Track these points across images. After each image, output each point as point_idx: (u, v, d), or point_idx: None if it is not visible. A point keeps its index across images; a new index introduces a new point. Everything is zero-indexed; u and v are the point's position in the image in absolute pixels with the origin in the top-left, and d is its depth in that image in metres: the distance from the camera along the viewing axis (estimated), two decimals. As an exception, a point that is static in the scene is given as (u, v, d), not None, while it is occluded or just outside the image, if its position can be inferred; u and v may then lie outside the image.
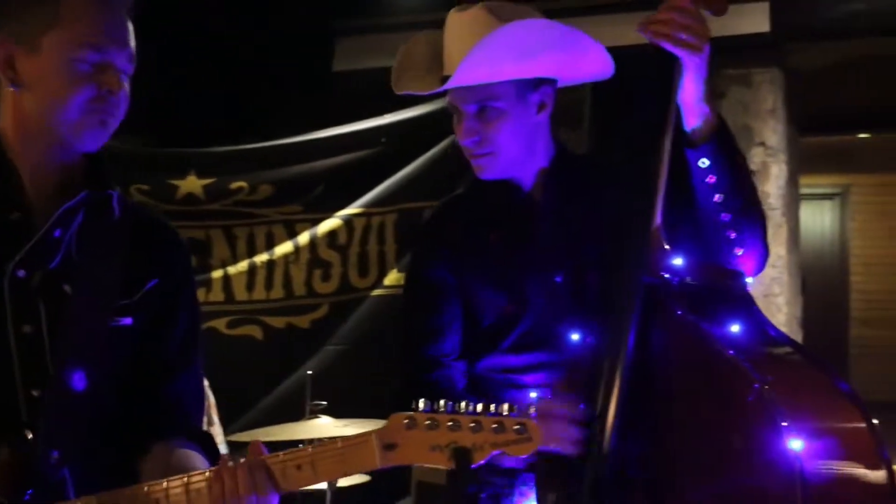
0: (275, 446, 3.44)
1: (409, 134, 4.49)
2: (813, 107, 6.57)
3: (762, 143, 5.14)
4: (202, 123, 4.91)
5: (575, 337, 1.90)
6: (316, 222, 4.50)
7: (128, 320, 1.73)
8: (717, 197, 1.86)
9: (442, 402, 1.47)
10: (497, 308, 2.10)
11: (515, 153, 2.08)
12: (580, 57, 2.07)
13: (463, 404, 1.46)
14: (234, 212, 4.51)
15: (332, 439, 1.52)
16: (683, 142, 1.86)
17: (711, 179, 1.85)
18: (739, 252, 1.87)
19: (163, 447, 1.72)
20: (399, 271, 4.44)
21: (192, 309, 1.88)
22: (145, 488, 1.57)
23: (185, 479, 1.56)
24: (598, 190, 2.12)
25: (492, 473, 2.10)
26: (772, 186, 5.11)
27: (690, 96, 1.83)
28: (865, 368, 9.71)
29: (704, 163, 1.85)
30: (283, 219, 4.52)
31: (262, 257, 4.50)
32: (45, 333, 1.66)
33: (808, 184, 8.24)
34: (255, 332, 4.47)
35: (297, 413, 3.58)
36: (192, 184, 4.51)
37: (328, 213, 4.50)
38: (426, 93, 2.10)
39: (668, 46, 1.78)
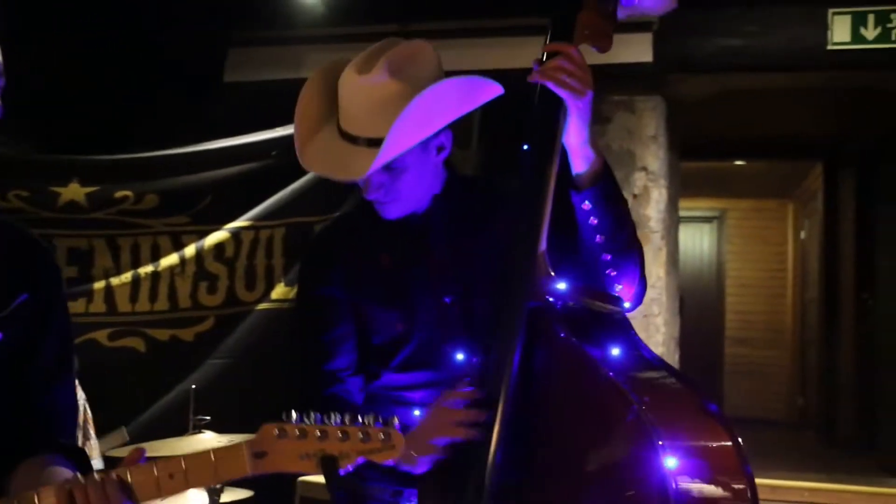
0: (156, 461, 3.39)
1: (299, 148, 4.50)
2: (692, 134, 6.83)
3: (644, 168, 5.32)
4: (87, 130, 4.82)
5: (460, 357, 1.96)
6: (203, 234, 4.44)
7: None
8: (598, 238, 1.95)
9: (312, 414, 1.54)
10: (388, 326, 2.14)
11: (417, 193, 2.13)
12: (474, 97, 2.12)
13: (333, 416, 1.54)
14: (119, 221, 4.42)
15: (204, 450, 1.56)
16: (569, 183, 1.95)
17: (593, 221, 1.95)
18: (619, 287, 1.97)
19: (33, 463, 1.70)
20: (286, 285, 4.43)
21: (64, 324, 1.87)
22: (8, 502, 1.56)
23: (35, 495, 1.54)
24: (488, 212, 2.17)
25: (376, 489, 2.14)
26: (652, 210, 5.29)
27: (575, 139, 1.92)
28: (739, 386, 10.09)
29: (587, 205, 1.94)
30: (169, 230, 4.46)
31: (146, 269, 4.42)
32: None
33: (688, 207, 8.54)
34: (138, 344, 4.39)
35: (179, 428, 3.53)
36: (74, 191, 4.41)
37: (216, 225, 4.44)
38: (343, 179, 2.11)
39: (554, 88, 1.88)
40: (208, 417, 3.39)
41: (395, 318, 2.13)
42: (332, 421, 1.53)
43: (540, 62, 1.94)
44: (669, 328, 5.56)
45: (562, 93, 1.88)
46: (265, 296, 4.42)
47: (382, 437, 1.52)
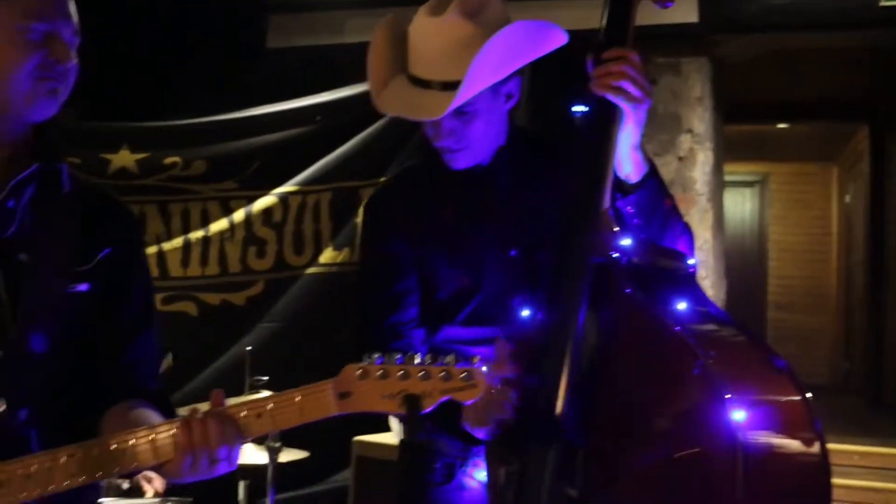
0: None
1: (343, 112, 4.51)
2: (737, 96, 6.77)
3: (689, 130, 5.28)
4: (136, 97, 4.86)
5: (525, 312, 1.98)
6: (251, 199, 4.51)
7: (84, 286, 1.78)
8: (642, 235, 1.95)
9: (394, 355, 1.57)
10: (453, 281, 2.16)
11: (485, 141, 2.15)
12: (544, 41, 2.14)
13: (416, 357, 1.56)
14: (169, 187, 4.49)
15: (290, 390, 1.60)
16: (614, 186, 1.93)
17: (637, 222, 1.96)
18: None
19: (121, 407, 1.77)
20: (334, 249, 4.48)
21: (146, 278, 1.94)
22: (112, 441, 1.61)
23: (152, 431, 1.61)
24: (551, 167, 2.20)
25: (445, 446, 2.17)
26: (698, 173, 5.26)
27: (627, 145, 1.92)
28: (782, 351, 9.90)
29: (630, 209, 1.96)
30: (218, 195, 4.52)
31: (197, 234, 4.49)
32: (3, 299, 1.71)
33: (729, 171, 8.47)
34: (190, 308, 4.47)
35: (235, 389, 3.60)
36: (124, 158, 4.48)
37: (263, 190, 4.51)
38: (418, 119, 2.11)
39: (615, 99, 1.87)
40: (266, 378, 3.45)
41: (460, 271, 2.16)
42: (414, 361, 1.55)
43: (597, 59, 1.92)
44: (717, 291, 5.54)
45: (623, 104, 1.87)
46: (313, 260, 4.49)
47: (464, 376, 1.54)
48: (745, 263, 10.28)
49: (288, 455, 3.52)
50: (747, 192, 10.91)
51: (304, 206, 4.51)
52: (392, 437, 3.70)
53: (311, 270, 4.47)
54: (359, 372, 1.56)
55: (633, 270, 1.83)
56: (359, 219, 4.44)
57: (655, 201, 1.98)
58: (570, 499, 1.82)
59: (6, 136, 1.75)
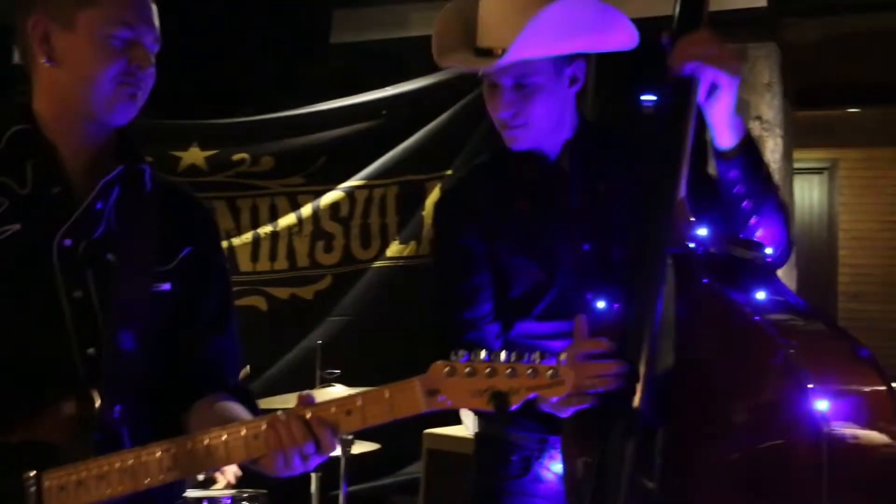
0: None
1: (409, 106, 4.55)
2: (805, 81, 6.65)
3: (758, 117, 5.21)
4: (203, 95, 4.93)
5: (601, 304, 1.98)
6: (318, 194, 4.56)
7: (167, 286, 1.83)
8: (745, 203, 1.96)
9: (481, 352, 1.59)
10: (528, 276, 2.17)
11: (547, 125, 2.16)
12: (611, 32, 2.14)
13: (502, 354, 1.57)
14: (237, 183, 4.56)
15: (379, 387, 1.62)
16: (714, 153, 1.95)
17: (740, 190, 1.95)
18: (759, 233, 1.97)
19: (206, 402, 1.82)
20: (400, 243, 4.52)
21: (224, 274, 1.99)
22: (204, 437, 1.66)
23: (242, 427, 1.65)
24: (621, 159, 2.20)
25: (522, 437, 2.18)
26: (768, 160, 5.19)
27: (724, 113, 1.92)
28: (854, 342, 9.81)
29: (734, 174, 1.95)
30: (285, 191, 4.58)
31: (265, 229, 4.56)
32: (94, 298, 1.77)
33: (797, 158, 8.34)
34: (260, 302, 4.53)
35: (306, 382, 3.65)
36: (194, 155, 4.55)
37: (330, 185, 4.56)
38: (472, 70, 2.15)
39: (713, 71, 1.87)
40: (338, 371, 3.49)
41: (534, 266, 2.17)
42: (501, 358, 1.56)
43: (673, 36, 1.92)
44: (787, 280, 5.47)
45: (719, 73, 1.87)
46: (380, 254, 4.52)
47: (551, 373, 1.55)
48: (813, 252, 10.11)
49: (360, 447, 3.56)
50: (815, 179, 10.72)
51: (371, 200, 4.54)
52: (463, 430, 3.73)
53: (377, 264, 4.51)
54: (447, 370, 1.58)
55: (710, 260, 1.82)
56: (425, 212, 4.47)
57: (758, 165, 1.98)
58: (647, 491, 1.82)
59: (90, 140, 1.80)
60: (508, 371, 1.56)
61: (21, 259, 1.75)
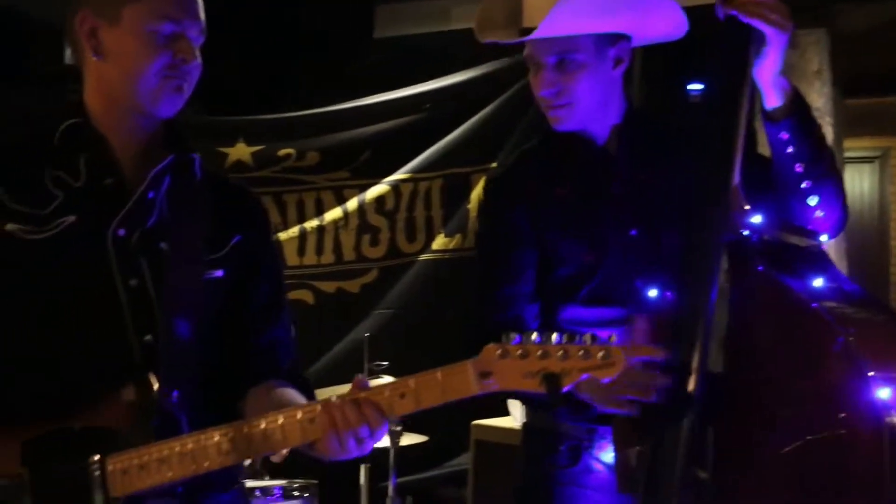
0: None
1: (453, 100, 4.55)
2: (856, 69, 6.55)
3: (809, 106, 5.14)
4: (249, 92, 4.96)
5: (653, 293, 1.96)
6: (364, 188, 4.57)
7: (219, 273, 1.85)
8: (797, 167, 1.92)
9: (533, 334, 1.58)
10: (577, 257, 2.15)
11: (592, 106, 2.14)
12: (655, 16, 2.12)
13: (554, 336, 1.57)
14: (283, 178, 4.58)
15: (431, 371, 1.62)
16: (763, 116, 1.92)
17: (791, 150, 1.92)
18: (819, 214, 1.93)
19: (262, 388, 1.84)
20: (446, 236, 4.52)
21: (276, 262, 2.02)
22: (262, 421, 1.67)
23: (298, 411, 1.66)
24: (669, 146, 2.18)
25: (571, 427, 2.17)
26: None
27: (770, 72, 1.89)
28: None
29: (785, 135, 1.91)
30: (331, 185, 4.59)
31: (312, 223, 4.58)
32: (149, 286, 1.79)
33: (847, 147, 8.20)
34: (307, 296, 4.56)
35: (354, 375, 3.64)
36: (241, 151, 4.58)
37: (375, 178, 4.57)
38: (510, 42, 2.14)
39: (759, 25, 1.84)
40: (386, 363, 3.49)
41: (583, 248, 2.15)
42: (552, 340, 1.56)
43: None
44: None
45: (767, 28, 1.84)
46: (426, 247, 4.52)
47: (602, 354, 1.54)
48: (865, 241, 9.95)
49: (408, 439, 3.56)
50: (866, 168, 10.54)
51: (416, 193, 4.55)
52: (511, 421, 3.72)
53: (423, 257, 4.52)
54: (499, 352, 1.58)
55: (765, 248, 1.79)
56: (470, 205, 4.47)
57: (809, 125, 1.95)
58: (700, 481, 1.80)
59: (139, 131, 1.82)
60: (560, 353, 1.55)
61: (77, 250, 1.77)
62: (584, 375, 1.55)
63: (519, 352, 1.57)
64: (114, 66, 1.78)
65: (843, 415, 1.61)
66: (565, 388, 1.55)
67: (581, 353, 1.54)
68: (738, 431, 1.78)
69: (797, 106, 1.94)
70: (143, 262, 1.79)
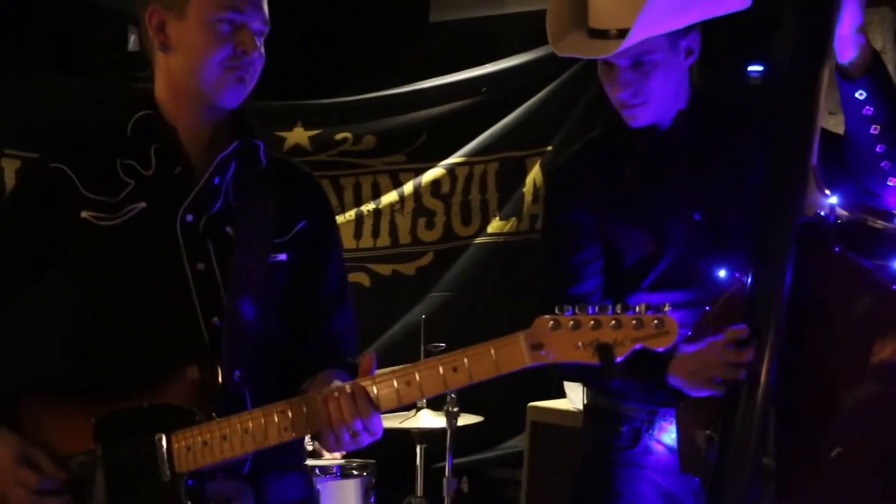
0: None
1: (508, 83, 4.50)
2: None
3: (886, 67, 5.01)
4: (306, 76, 4.96)
5: (721, 273, 1.92)
6: (420, 172, 4.55)
7: (283, 256, 1.88)
8: (872, 129, 1.86)
9: (585, 306, 1.57)
10: (638, 246, 2.13)
11: (666, 100, 2.11)
12: (726, 3, 2.08)
13: (606, 307, 1.56)
14: (340, 162, 4.58)
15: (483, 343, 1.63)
16: (839, 75, 1.86)
17: (868, 111, 1.86)
18: (893, 182, 1.87)
19: (323, 375, 1.84)
20: (501, 219, 4.49)
21: (339, 249, 2.03)
22: (318, 398, 1.69)
23: (302, 400, 1.70)
24: (731, 128, 2.14)
25: (632, 409, 2.14)
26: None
27: (848, 27, 1.83)
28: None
29: (861, 94, 1.85)
30: (387, 169, 4.58)
31: (368, 206, 4.57)
32: (216, 269, 1.82)
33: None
34: (363, 279, 4.55)
35: (410, 357, 3.63)
36: (298, 135, 4.58)
37: (431, 162, 4.55)
38: (591, 57, 2.11)
39: None
40: (443, 345, 3.48)
41: (645, 236, 2.13)
42: (606, 311, 1.55)
43: None
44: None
45: None
46: (481, 230, 4.50)
47: (656, 323, 1.53)
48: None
49: (464, 420, 3.55)
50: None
51: (471, 176, 4.52)
52: (567, 403, 3.69)
53: (479, 240, 4.50)
54: (551, 323, 1.57)
55: (841, 229, 1.74)
56: (525, 188, 4.43)
57: (887, 85, 1.89)
58: (766, 468, 1.76)
59: (206, 121, 1.86)
60: (613, 323, 1.54)
61: (147, 235, 1.82)
62: (638, 345, 1.53)
63: (571, 323, 1.56)
64: (180, 58, 1.82)
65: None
66: (618, 359, 1.53)
67: (634, 322, 1.53)
68: (808, 417, 1.74)
69: (875, 65, 1.87)
70: (210, 247, 1.83)
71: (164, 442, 1.72)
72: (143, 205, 1.82)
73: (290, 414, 1.69)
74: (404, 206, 4.55)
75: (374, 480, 3.52)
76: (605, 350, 1.53)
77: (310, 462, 3.53)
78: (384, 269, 4.56)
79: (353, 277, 4.55)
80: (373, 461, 3.56)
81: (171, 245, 1.81)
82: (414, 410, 3.66)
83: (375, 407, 1.66)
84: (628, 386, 2.08)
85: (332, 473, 3.47)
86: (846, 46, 1.85)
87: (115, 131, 1.88)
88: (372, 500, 3.52)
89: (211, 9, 1.79)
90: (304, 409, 1.69)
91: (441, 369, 1.63)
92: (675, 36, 2.07)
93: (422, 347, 3.62)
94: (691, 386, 1.90)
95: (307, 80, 4.99)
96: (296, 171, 2.02)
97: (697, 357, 1.88)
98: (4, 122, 3.90)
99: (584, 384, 2.38)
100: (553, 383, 3.71)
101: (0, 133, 3.89)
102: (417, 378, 1.66)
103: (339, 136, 4.59)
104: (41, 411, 1.81)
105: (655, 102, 2.09)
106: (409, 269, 4.55)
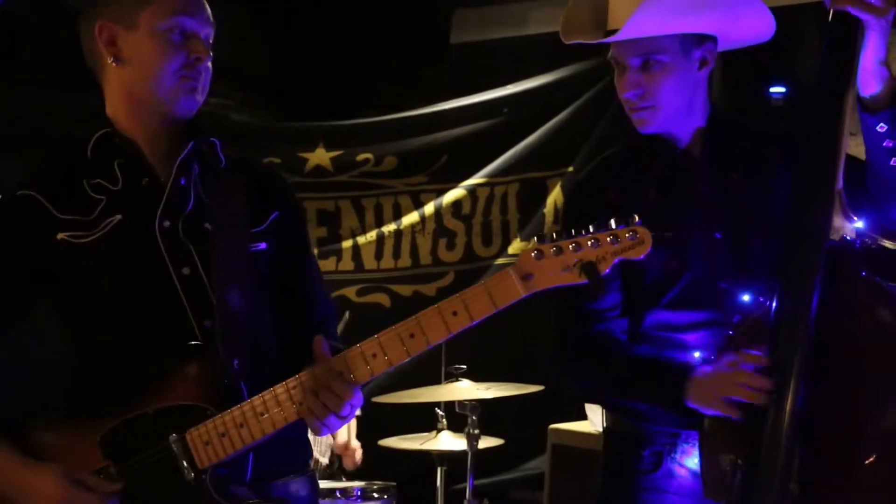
0: (415, 408, 3.49)
1: (529, 104, 4.50)
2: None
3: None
4: (327, 97, 4.97)
5: (745, 298, 1.90)
6: (441, 193, 4.55)
7: (262, 245, 1.91)
8: (893, 161, 1.84)
9: (562, 233, 1.64)
10: (659, 263, 2.09)
11: (676, 108, 2.09)
12: (742, 16, 2.06)
13: (581, 230, 1.63)
14: (362, 183, 4.58)
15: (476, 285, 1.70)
16: (861, 106, 1.84)
17: (889, 144, 1.83)
18: None
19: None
20: (522, 240, 4.47)
21: (310, 242, 2.11)
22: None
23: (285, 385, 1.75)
24: (754, 150, 2.12)
25: (654, 433, 2.11)
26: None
27: (871, 60, 1.81)
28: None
29: (883, 127, 1.83)
30: (408, 189, 4.58)
31: (389, 227, 4.57)
32: (200, 271, 1.84)
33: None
34: (384, 300, 4.55)
35: (431, 378, 3.63)
36: (320, 156, 4.59)
37: (452, 183, 4.54)
38: (595, 42, 2.11)
39: (855, 11, 1.77)
40: (464, 366, 3.47)
41: (666, 253, 2.09)
42: (581, 233, 1.62)
43: None
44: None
45: (862, 14, 1.78)
46: (502, 251, 4.50)
47: (629, 234, 1.61)
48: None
49: (485, 442, 3.53)
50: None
51: (492, 197, 4.51)
52: (588, 425, 3.66)
53: (500, 261, 4.48)
54: (534, 254, 1.64)
55: (867, 253, 1.72)
56: (546, 209, 4.41)
57: None
58: (791, 494, 1.72)
59: (163, 130, 1.88)
60: (591, 242, 1.62)
61: (128, 245, 1.84)
62: (618, 258, 1.61)
63: (552, 249, 1.63)
64: (133, 70, 1.84)
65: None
66: (603, 273, 1.61)
67: (610, 238, 1.61)
68: (831, 441, 1.70)
69: None
70: (192, 249, 1.84)
71: (179, 442, 1.74)
72: (118, 217, 1.84)
73: (297, 389, 1.73)
74: (425, 227, 4.54)
75: (395, 503, 3.50)
76: (590, 267, 1.62)
77: (331, 484, 3.52)
78: (405, 290, 4.55)
79: (374, 298, 4.56)
80: (393, 483, 3.54)
81: (154, 253, 1.82)
82: (435, 432, 3.64)
83: (354, 383, 1.72)
84: (648, 408, 2.06)
85: (352, 496, 3.45)
86: (869, 80, 1.83)
87: (77, 154, 1.90)
88: (393, 522, 3.51)
89: (161, 18, 1.81)
90: (310, 383, 1.73)
91: (441, 315, 1.71)
92: (688, 42, 2.05)
93: (442, 369, 3.59)
94: (707, 405, 1.88)
95: (329, 102, 5.00)
96: (258, 166, 2.07)
97: (713, 376, 1.87)
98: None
99: (604, 406, 2.35)
100: (574, 405, 3.68)
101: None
102: (421, 327, 1.73)
103: (361, 157, 4.59)
104: (47, 436, 1.82)
105: (664, 108, 2.07)
106: (429, 289, 4.54)
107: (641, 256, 1.61)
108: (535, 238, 1.65)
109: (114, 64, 1.84)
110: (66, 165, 1.91)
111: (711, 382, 1.87)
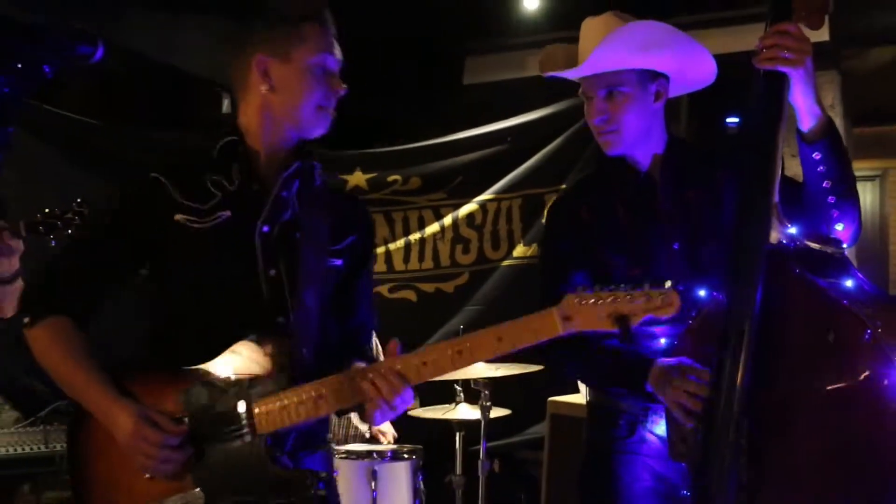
0: (438, 385, 3.52)
1: (530, 133, 4.51)
2: (863, 103, 6.33)
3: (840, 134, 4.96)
4: (363, 130, 5.00)
5: (702, 293, 1.90)
6: (457, 207, 4.56)
7: (339, 262, 1.88)
8: (825, 183, 1.84)
9: (603, 287, 1.62)
10: (625, 271, 2.10)
11: (636, 133, 2.09)
12: (690, 59, 2.08)
13: (620, 286, 1.60)
14: (392, 200, 4.60)
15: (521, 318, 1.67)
16: (800, 138, 1.85)
17: (822, 169, 1.84)
18: (840, 227, 1.86)
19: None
20: (524, 245, 4.48)
21: (372, 262, 2.05)
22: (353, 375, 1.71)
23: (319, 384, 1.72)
24: (707, 171, 2.12)
25: (628, 405, 2.12)
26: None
27: (802, 100, 1.82)
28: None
29: (817, 155, 1.84)
30: (430, 205, 4.60)
31: (415, 236, 4.58)
32: (283, 275, 1.81)
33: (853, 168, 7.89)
34: (411, 295, 4.56)
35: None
36: (357, 178, 4.61)
37: (467, 199, 4.56)
38: (565, 75, 2.12)
39: (774, 67, 1.77)
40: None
41: (631, 263, 2.10)
42: (620, 288, 1.59)
43: (763, 40, 1.84)
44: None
45: (782, 69, 1.77)
46: (508, 254, 4.50)
47: (661, 297, 1.58)
48: (865, 253, 9.56)
49: (496, 412, 3.54)
50: (868, 185, 10.16)
51: (500, 210, 4.52)
52: (581, 398, 3.66)
53: (506, 263, 4.49)
54: (577, 300, 1.61)
55: (800, 254, 1.72)
56: (544, 219, 4.40)
57: (838, 149, 1.86)
58: (740, 450, 1.72)
59: (285, 147, 1.84)
60: (627, 297, 1.59)
61: (231, 240, 1.80)
62: (649, 315, 1.58)
63: (593, 299, 1.60)
64: (281, 97, 1.78)
65: (872, 398, 1.53)
66: (634, 326, 1.58)
67: (644, 297, 1.58)
68: (770, 428, 1.68)
69: (829, 131, 1.85)
70: (281, 254, 1.81)
71: (245, 408, 1.71)
72: (228, 213, 1.80)
73: (332, 389, 1.70)
74: (444, 235, 4.56)
75: (421, 462, 3.52)
76: (622, 320, 1.58)
77: (368, 447, 3.54)
78: (428, 288, 4.57)
79: (403, 294, 4.58)
80: (420, 446, 3.56)
81: (250, 252, 1.79)
82: (454, 404, 3.66)
83: (407, 381, 1.69)
84: (618, 389, 2.08)
85: (386, 457, 3.47)
86: (804, 117, 1.84)
87: (204, 152, 1.87)
88: (420, 478, 3.51)
89: (311, 55, 1.77)
90: (358, 380, 1.69)
91: (489, 339, 1.66)
92: (644, 77, 2.07)
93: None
94: (661, 395, 1.90)
95: (365, 133, 5.03)
96: (344, 193, 2.04)
97: (666, 375, 1.89)
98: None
99: (587, 385, 2.36)
100: (569, 382, 3.69)
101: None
102: (469, 346, 1.67)
103: (391, 178, 4.61)
104: (135, 388, 1.78)
105: (625, 132, 2.08)
106: (448, 287, 4.55)
107: (669, 317, 1.59)
108: (578, 288, 1.62)
109: (265, 90, 1.78)
110: (194, 160, 1.88)
111: (666, 379, 1.89)
